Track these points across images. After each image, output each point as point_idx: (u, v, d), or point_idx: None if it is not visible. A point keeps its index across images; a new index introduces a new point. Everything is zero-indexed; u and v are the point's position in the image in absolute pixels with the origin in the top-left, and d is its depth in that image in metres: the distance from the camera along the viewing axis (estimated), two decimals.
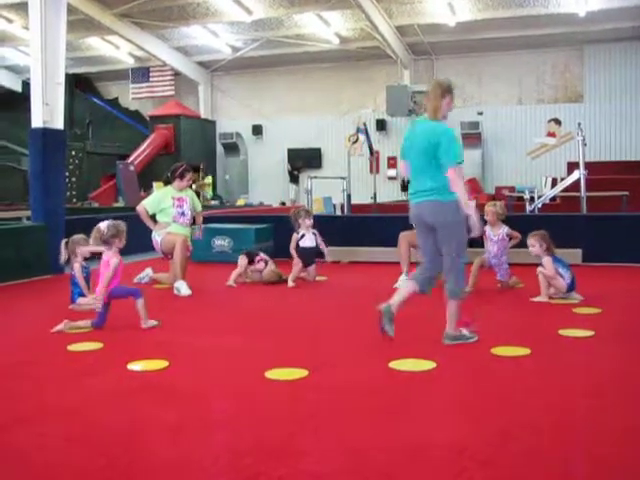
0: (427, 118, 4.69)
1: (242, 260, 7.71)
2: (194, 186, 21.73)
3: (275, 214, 12.57)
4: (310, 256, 7.70)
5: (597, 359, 4.20)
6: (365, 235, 9.75)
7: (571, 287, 6.15)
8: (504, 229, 6.81)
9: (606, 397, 3.43)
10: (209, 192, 21.40)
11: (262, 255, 7.75)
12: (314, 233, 7.79)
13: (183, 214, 7.46)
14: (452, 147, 4.53)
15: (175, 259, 7.13)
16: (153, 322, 5.28)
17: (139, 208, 7.45)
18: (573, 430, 2.98)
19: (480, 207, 7.43)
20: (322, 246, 7.79)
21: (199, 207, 7.87)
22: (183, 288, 6.91)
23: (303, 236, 7.74)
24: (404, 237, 7.25)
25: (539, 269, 6.16)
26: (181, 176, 7.49)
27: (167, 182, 7.62)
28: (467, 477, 2.51)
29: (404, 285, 4.99)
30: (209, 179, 21.72)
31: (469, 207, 4.56)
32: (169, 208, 7.39)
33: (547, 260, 6.11)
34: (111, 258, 5.28)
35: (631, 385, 3.62)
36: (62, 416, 3.28)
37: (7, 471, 2.67)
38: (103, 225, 5.35)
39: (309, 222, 7.74)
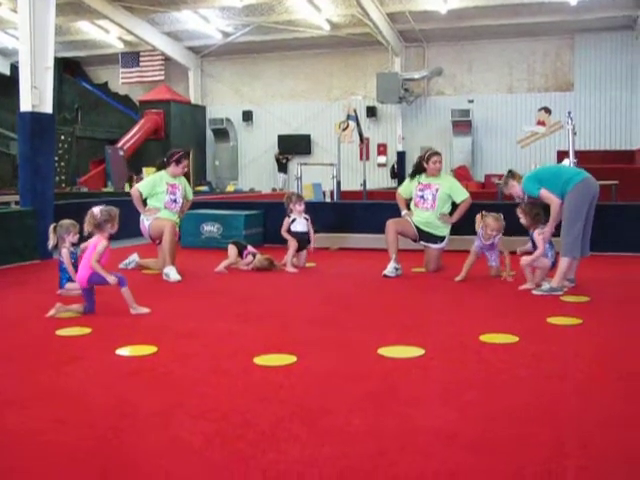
0: None
1: (232, 250, 7.64)
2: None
3: (265, 200, 12.55)
4: (302, 241, 7.66)
5: (585, 346, 4.24)
6: (355, 222, 9.75)
7: (553, 265, 6.16)
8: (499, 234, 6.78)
9: (594, 384, 3.46)
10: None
11: (250, 248, 7.69)
12: (306, 218, 7.76)
13: (175, 201, 7.45)
14: None
15: (164, 245, 7.09)
16: (143, 309, 5.25)
17: (133, 191, 7.46)
18: (562, 416, 3.00)
19: (473, 196, 7.46)
20: (311, 234, 7.77)
21: (190, 195, 7.84)
22: (172, 273, 6.89)
23: (294, 220, 7.70)
24: (391, 224, 7.22)
25: (522, 261, 6.16)
26: (177, 162, 7.45)
27: (161, 167, 7.57)
28: (456, 463, 2.53)
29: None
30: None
31: None
32: (162, 194, 7.36)
33: (537, 233, 6.13)
34: (99, 242, 5.25)
35: (619, 372, 3.65)
36: (52, 399, 3.28)
37: None
38: (96, 210, 5.33)
39: (300, 207, 7.70)
